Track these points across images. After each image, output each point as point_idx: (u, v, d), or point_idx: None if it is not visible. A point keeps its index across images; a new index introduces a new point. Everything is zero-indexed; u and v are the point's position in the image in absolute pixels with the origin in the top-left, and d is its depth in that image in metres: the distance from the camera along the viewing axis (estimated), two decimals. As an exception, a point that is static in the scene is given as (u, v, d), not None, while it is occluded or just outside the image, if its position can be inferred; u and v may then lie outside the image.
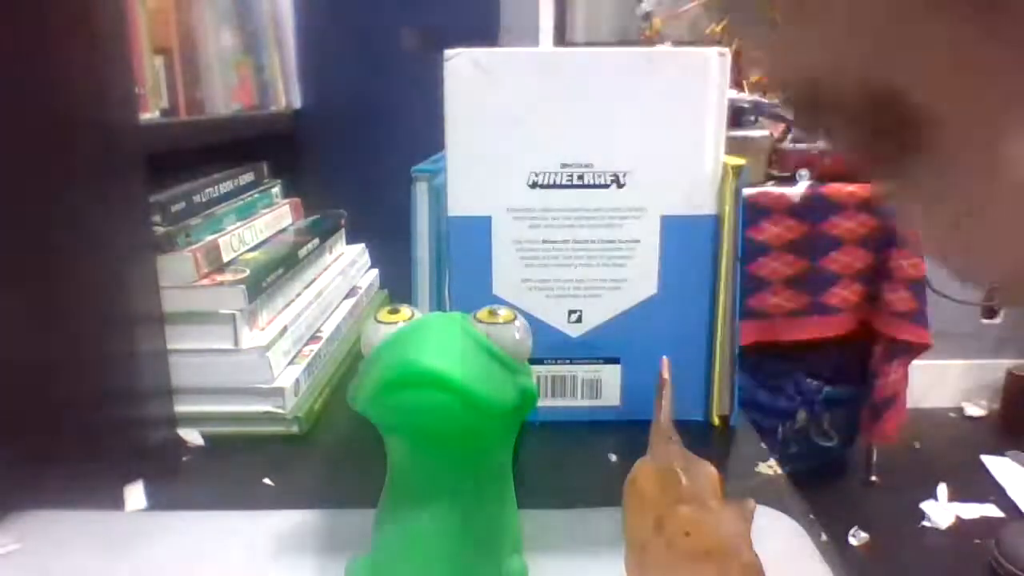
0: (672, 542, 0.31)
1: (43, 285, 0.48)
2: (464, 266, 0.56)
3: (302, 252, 0.70)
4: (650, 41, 2.48)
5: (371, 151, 0.90)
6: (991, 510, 1.85)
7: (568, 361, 0.58)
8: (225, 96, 0.74)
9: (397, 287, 0.89)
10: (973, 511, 1.84)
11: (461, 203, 0.55)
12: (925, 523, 1.81)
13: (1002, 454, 2.10)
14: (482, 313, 0.35)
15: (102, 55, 0.47)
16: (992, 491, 1.92)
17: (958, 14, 0.16)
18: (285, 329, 0.61)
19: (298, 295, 0.69)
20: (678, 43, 2.38)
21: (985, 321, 2.40)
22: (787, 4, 0.19)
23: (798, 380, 1.76)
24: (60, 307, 0.49)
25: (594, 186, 0.55)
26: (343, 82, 0.92)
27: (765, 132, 1.74)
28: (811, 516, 0.46)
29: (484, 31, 0.91)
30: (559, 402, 0.58)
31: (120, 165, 0.49)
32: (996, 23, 0.16)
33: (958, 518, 1.82)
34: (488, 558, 0.35)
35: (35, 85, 0.46)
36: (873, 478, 1.95)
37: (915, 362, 1.70)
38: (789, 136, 1.69)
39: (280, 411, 0.57)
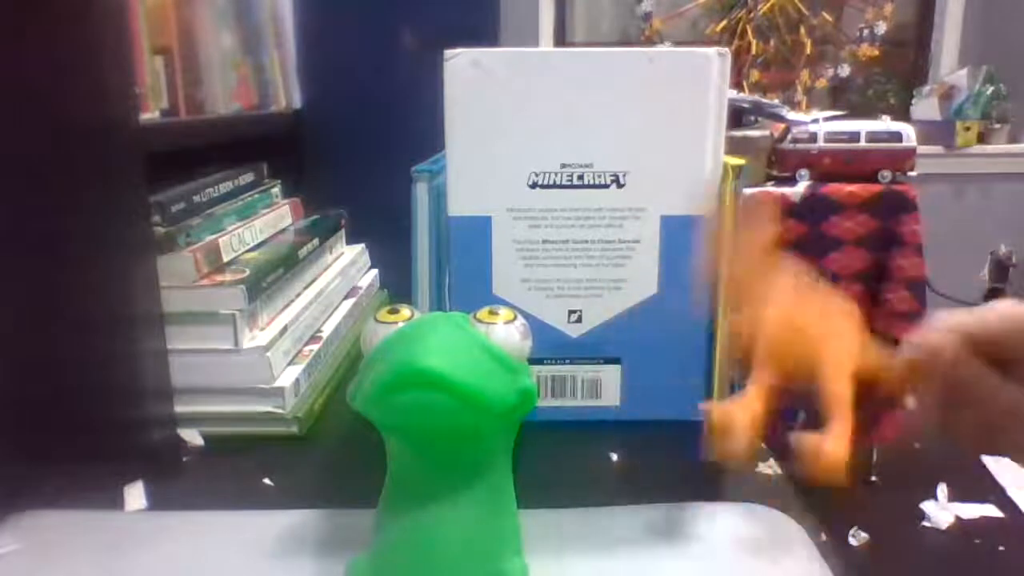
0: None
1: (43, 285, 0.48)
2: (464, 266, 0.56)
3: (302, 252, 0.70)
4: (650, 41, 2.48)
5: (371, 151, 0.90)
6: (991, 510, 1.85)
7: (568, 361, 0.58)
8: (225, 96, 0.74)
9: (397, 287, 0.89)
10: (973, 511, 1.84)
11: (461, 203, 0.55)
12: (925, 523, 1.81)
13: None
14: (482, 313, 0.35)
15: (102, 55, 0.47)
16: (992, 491, 1.92)
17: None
18: (285, 329, 0.61)
19: (298, 295, 0.69)
20: (678, 43, 2.38)
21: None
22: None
23: (798, 380, 1.76)
24: (60, 307, 0.49)
25: (594, 186, 0.55)
26: (343, 82, 0.92)
27: (765, 132, 1.74)
28: (811, 516, 0.46)
29: (484, 31, 0.91)
30: (559, 402, 0.58)
31: (120, 165, 0.49)
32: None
33: (958, 518, 1.82)
34: (488, 558, 0.35)
35: (35, 85, 0.46)
36: (873, 478, 1.94)
37: (915, 362, 1.69)
38: (789, 136, 1.69)
39: (280, 411, 0.57)
